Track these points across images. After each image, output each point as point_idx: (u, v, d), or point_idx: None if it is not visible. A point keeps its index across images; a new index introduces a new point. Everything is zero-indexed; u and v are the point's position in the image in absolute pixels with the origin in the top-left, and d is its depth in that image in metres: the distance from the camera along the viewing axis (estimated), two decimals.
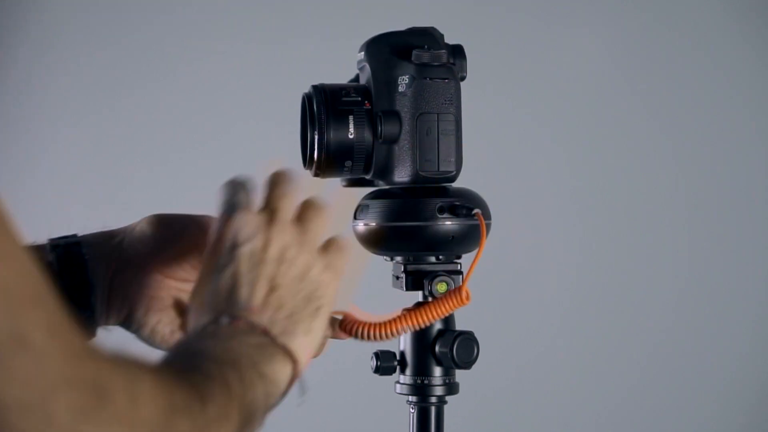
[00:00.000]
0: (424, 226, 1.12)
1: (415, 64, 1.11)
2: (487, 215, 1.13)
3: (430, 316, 1.10)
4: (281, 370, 0.93)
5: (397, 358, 1.17)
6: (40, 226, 2.91)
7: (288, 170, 0.98)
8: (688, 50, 2.59)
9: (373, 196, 1.15)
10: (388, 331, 1.09)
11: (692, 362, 2.57)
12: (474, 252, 1.11)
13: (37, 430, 0.62)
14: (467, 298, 1.11)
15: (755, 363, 2.57)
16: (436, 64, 1.11)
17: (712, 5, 2.58)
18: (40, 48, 2.72)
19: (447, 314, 1.11)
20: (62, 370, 0.63)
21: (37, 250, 1.04)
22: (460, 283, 1.14)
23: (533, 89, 2.60)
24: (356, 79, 1.17)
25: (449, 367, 1.15)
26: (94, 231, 1.07)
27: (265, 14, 2.62)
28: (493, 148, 2.54)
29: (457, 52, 1.13)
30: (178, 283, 1.05)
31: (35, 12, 2.72)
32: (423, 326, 1.10)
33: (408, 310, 1.11)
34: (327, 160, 1.11)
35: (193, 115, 2.71)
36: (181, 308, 1.04)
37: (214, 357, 0.84)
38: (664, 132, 2.60)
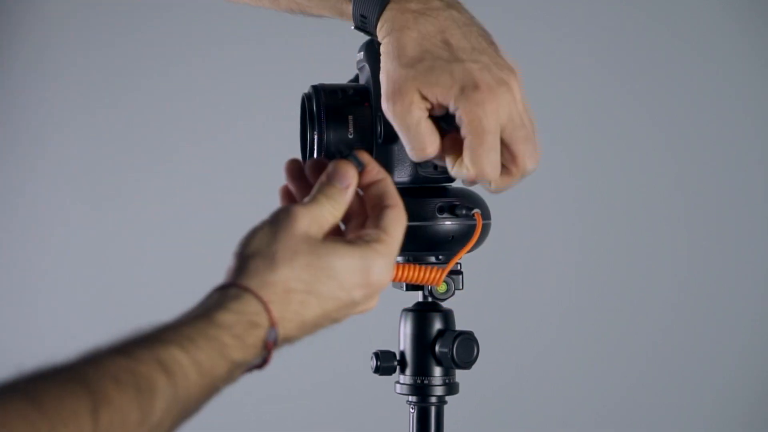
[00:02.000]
0: (424, 226, 1.12)
1: None
2: (486, 215, 1.13)
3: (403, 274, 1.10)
4: (256, 355, 0.88)
5: (397, 358, 1.17)
6: (41, 226, 2.92)
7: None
8: (686, 50, 2.59)
9: None
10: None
11: (692, 362, 2.57)
12: (473, 252, 1.11)
13: None
14: (437, 281, 1.10)
15: (755, 363, 2.57)
16: None
17: (710, 5, 2.58)
18: (40, 48, 2.72)
19: (413, 281, 1.11)
20: None
21: None
22: (460, 285, 1.14)
23: (532, 89, 2.60)
24: (356, 79, 1.16)
25: (449, 367, 1.15)
26: None
27: (264, 15, 2.62)
28: None
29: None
30: None
31: (35, 12, 2.72)
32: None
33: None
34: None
35: (193, 115, 2.71)
36: None
37: (167, 341, 0.80)
38: (662, 132, 2.60)
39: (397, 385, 1.17)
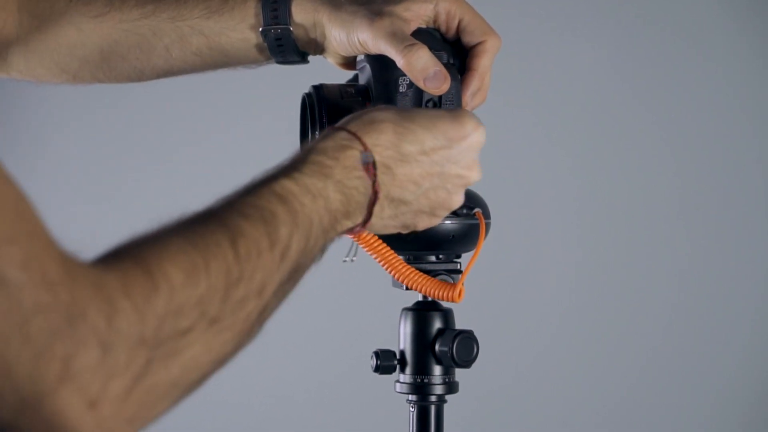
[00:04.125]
0: None
1: None
2: (486, 215, 1.13)
3: (417, 284, 1.11)
4: (360, 180, 0.95)
5: (397, 357, 1.17)
6: None
7: None
8: (686, 51, 2.59)
9: None
10: (388, 257, 1.10)
11: (692, 362, 2.57)
12: (473, 251, 1.11)
13: (14, 352, 0.68)
14: (460, 296, 1.11)
15: (755, 363, 2.58)
16: None
17: (710, 5, 2.58)
18: None
19: (431, 296, 1.12)
20: (36, 299, 0.69)
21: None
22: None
23: (534, 89, 2.61)
24: (356, 79, 1.16)
25: (449, 366, 1.15)
26: None
27: None
28: (493, 148, 2.54)
29: (458, 52, 1.13)
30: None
31: None
32: (405, 283, 1.12)
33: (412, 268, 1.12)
34: None
35: (193, 114, 2.71)
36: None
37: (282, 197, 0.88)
38: (662, 132, 2.60)
39: (397, 384, 1.17)
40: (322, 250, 0.92)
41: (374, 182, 0.95)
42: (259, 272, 0.83)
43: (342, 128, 0.97)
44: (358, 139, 0.95)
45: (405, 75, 1.10)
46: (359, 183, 0.95)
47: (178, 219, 0.83)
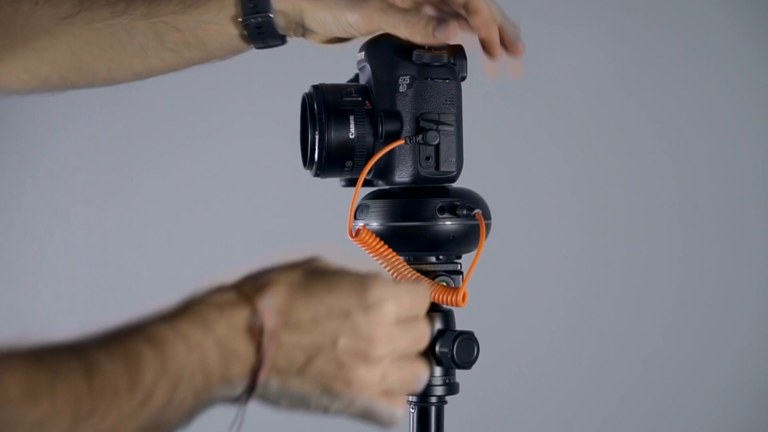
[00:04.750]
0: (425, 226, 1.12)
1: (416, 65, 1.11)
2: (487, 215, 1.13)
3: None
4: (248, 343, 0.85)
5: None
6: (41, 226, 2.91)
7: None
8: (685, 50, 2.59)
9: (373, 196, 1.15)
10: (388, 257, 1.08)
11: (692, 362, 2.57)
12: (474, 252, 1.11)
13: None
14: (464, 300, 1.11)
15: (755, 363, 2.57)
16: (436, 64, 1.11)
17: (710, 6, 2.58)
18: None
19: (437, 302, 1.12)
20: None
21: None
22: (461, 284, 1.14)
23: (533, 89, 2.60)
24: (356, 79, 1.16)
25: (449, 367, 1.15)
26: None
27: None
28: (493, 148, 2.54)
29: (458, 52, 1.13)
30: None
31: None
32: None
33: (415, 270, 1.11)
34: (328, 160, 1.10)
35: (193, 114, 2.71)
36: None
37: (154, 339, 0.80)
38: (662, 132, 2.60)
39: None
40: (191, 413, 0.83)
41: (259, 349, 0.84)
42: (114, 413, 0.75)
43: (234, 287, 0.86)
44: (249, 300, 0.84)
45: (405, 75, 1.10)
46: (242, 347, 0.84)
47: (33, 343, 0.76)
